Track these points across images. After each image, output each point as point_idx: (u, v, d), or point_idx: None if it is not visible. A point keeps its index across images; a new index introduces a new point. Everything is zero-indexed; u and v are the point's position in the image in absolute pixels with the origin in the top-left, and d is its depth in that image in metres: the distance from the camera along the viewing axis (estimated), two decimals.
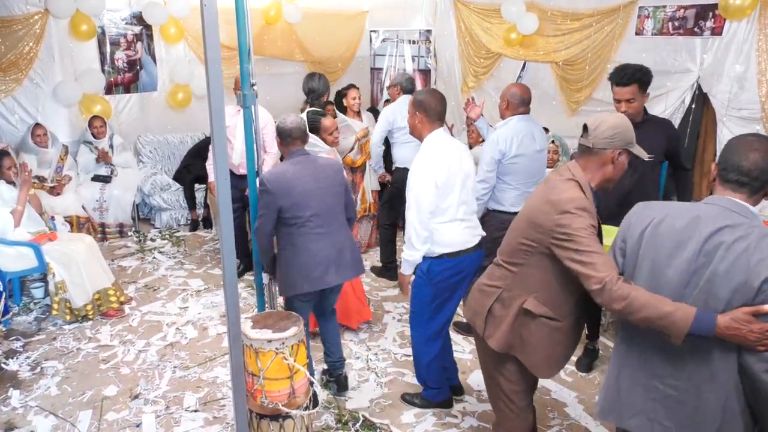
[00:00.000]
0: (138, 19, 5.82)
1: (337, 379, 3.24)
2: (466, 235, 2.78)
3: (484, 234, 2.92)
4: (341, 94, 5.34)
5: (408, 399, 3.18)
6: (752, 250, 1.57)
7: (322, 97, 4.60)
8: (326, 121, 3.65)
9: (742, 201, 1.67)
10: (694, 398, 1.69)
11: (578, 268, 1.85)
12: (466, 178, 2.78)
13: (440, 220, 2.72)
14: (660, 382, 1.76)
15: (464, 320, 3.89)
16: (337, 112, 5.00)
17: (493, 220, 3.48)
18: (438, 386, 3.07)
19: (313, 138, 3.59)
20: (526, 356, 2.11)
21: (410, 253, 2.74)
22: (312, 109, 4.00)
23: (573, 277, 1.92)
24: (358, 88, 5.30)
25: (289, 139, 2.83)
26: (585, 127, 2.05)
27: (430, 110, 2.72)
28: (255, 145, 2.79)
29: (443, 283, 2.79)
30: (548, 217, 1.95)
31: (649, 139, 2.64)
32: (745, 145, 1.69)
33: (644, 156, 2.06)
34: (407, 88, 4.59)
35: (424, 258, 2.76)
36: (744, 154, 1.67)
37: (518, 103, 3.44)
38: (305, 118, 3.47)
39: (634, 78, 2.94)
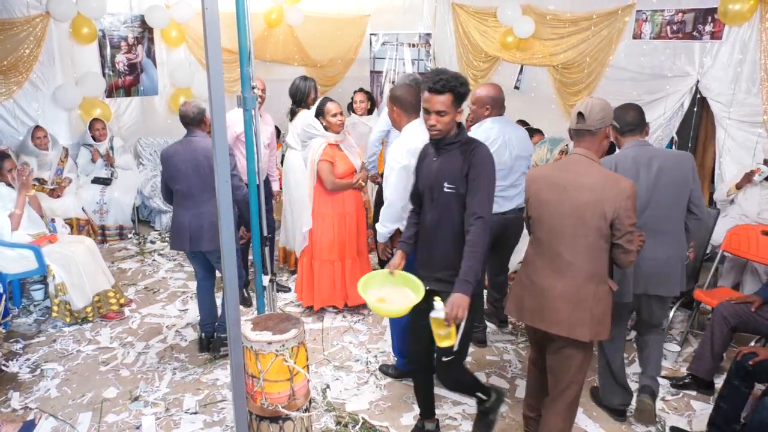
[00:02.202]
0: (139, 22, 5.84)
1: (200, 340, 3.71)
2: None
3: None
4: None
5: (384, 369, 3.45)
6: (676, 161, 2.79)
7: (308, 98, 4.50)
8: (330, 104, 3.83)
9: (643, 138, 2.86)
10: (662, 263, 2.79)
11: (625, 245, 2.30)
12: None
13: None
14: (647, 258, 2.74)
15: None
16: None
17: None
18: (405, 356, 3.30)
19: (313, 121, 3.88)
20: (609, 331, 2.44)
21: (380, 228, 3.14)
22: (325, 96, 4.11)
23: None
24: (364, 92, 5.39)
25: (186, 122, 3.35)
26: (581, 114, 2.35)
27: (405, 103, 3.00)
28: (255, 147, 2.80)
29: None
30: (615, 202, 2.26)
31: (453, 167, 2.41)
32: (625, 108, 2.86)
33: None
34: None
35: None
36: (627, 112, 2.84)
37: (500, 105, 3.52)
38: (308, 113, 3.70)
39: (449, 86, 2.33)
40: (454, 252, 2.41)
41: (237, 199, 3.15)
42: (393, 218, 3.08)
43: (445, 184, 2.40)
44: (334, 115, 3.80)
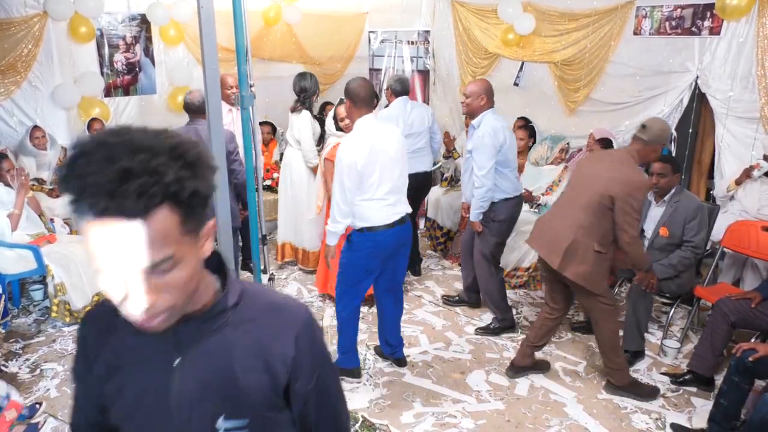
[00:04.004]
0: (137, 21, 5.82)
1: None
2: (385, 212, 3.03)
3: (410, 211, 3.18)
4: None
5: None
6: None
7: (314, 97, 4.62)
8: (339, 108, 4.14)
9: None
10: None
11: (626, 228, 2.89)
12: (392, 161, 3.01)
13: (361, 198, 2.98)
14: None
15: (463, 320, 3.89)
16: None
17: (502, 208, 3.74)
18: (345, 351, 3.30)
19: (330, 121, 4.23)
20: (597, 284, 3.04)
21: (332, 225, 3.04)
22: (341, 98, 4.22)
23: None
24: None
25: (190, 110, 3.52)
26: (644, 125, 2.97)
27: (356, 98, 2.99)
28: (253, 145, 2.80)
29: (363, 252, 3.07)
30: (623, 189, 2.87)
31: (237, 375, 0.98)
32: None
33: (671, 150, 3.38)
34: (396, 89, 4.52)
35: (353, 230, 3.07)
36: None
37: (492, 97, 3.67)
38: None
39: (157, 190, 0.79)
40: None
41: (239, 181, 3.37)
42: (344, 213, 3.01)
43: (221, 421, 0.99)
44: (342, 120, 4.01)
